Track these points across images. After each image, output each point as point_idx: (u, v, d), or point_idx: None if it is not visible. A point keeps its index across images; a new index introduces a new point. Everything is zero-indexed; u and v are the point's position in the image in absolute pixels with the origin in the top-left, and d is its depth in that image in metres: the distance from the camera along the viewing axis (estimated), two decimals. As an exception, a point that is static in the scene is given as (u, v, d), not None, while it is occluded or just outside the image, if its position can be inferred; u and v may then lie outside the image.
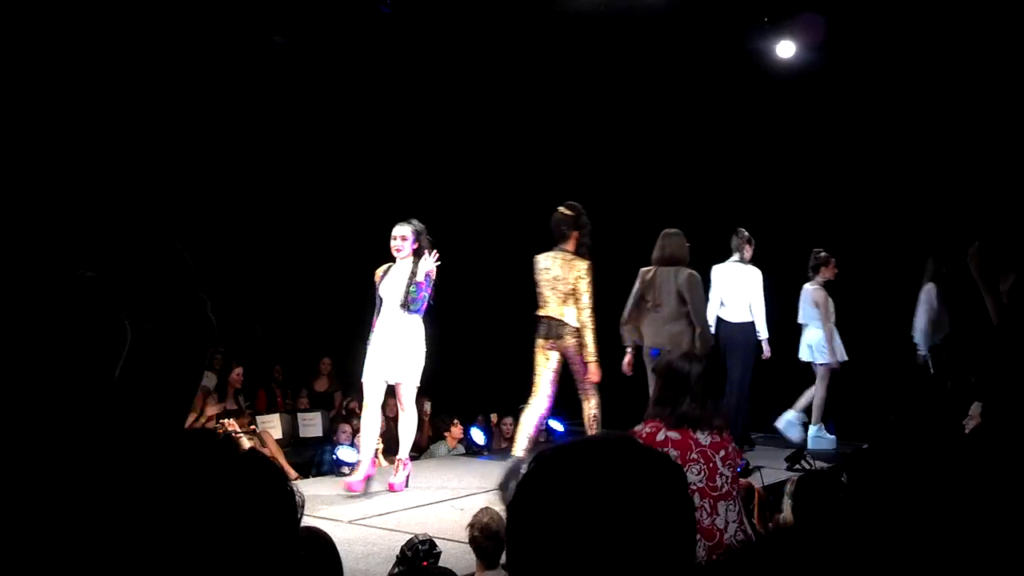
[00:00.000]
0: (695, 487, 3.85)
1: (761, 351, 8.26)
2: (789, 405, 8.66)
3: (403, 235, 6.61)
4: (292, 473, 7.43)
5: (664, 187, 10.96)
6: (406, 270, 6.59)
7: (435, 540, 4.55)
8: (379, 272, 6.75)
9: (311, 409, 9.29)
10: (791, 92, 9.69)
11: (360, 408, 9.04)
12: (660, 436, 3.87)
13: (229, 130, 10.06)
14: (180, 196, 10.41)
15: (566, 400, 10.21)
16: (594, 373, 6.42)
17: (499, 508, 4.42)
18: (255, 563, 1.16)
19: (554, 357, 6.49)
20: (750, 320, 8.22)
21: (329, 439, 8.58)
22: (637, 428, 3.95)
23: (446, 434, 8.92)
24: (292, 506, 1.25)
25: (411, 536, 4.59)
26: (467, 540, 4.38)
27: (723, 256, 8.41)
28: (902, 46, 8.77)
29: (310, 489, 6.44)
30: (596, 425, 6.57)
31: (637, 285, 6.99)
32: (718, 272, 8.29)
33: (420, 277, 6.49)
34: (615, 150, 11.17)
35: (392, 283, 6.63)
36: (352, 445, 7.77)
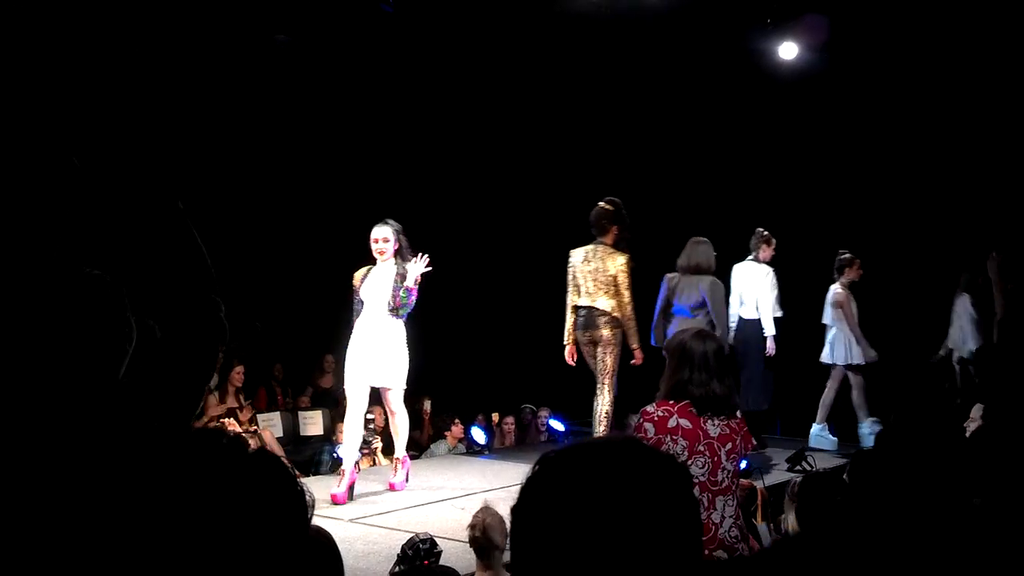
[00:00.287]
0: (697, 480, 3.83)
1: (772, 347, 8.33)
2: (814, 407, 8.69)
3: (385, 237, 6.44)
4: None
5: (666, 186, 10.96)
6: (389, 273, 6.43)
7: (436, 539, 4.55)
8: (359, 275, 6.58)
9: (312, 407, 9.29)
10: (793, 93, 9.69)
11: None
12: (671, 422, 3.81)
13: (231, 128, 10.06)
14: (181, 193, 10.41)
15: (567, 399, 10.25)
16: (638, 358, 6.83)
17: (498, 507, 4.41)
18: (266, 563, 1.16)
19: (596, 349, 6.88)
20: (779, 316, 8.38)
21: (330, 438, 8.57)
22: (649, 409, 3.88)
23: (447, 433, 8.91)
24: (302, 506, 1.24)
25: (412, 535, 4.59)
26: (467, 540, 4.38)
27: (742, 256, 8.51)
28: (908, 45, 8.75)
29: (310, 487, 6.41)
30: (606, 421, 6.74)
31: (663, 290, 7.26)
32: (736, 271, 8.43)
33: (411, 282, 6.35)
34: (616, 150, 11.16)
35: (375, 286, 6.45)
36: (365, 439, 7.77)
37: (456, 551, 4.69)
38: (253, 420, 8.46)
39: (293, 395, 9.75)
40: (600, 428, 6.83)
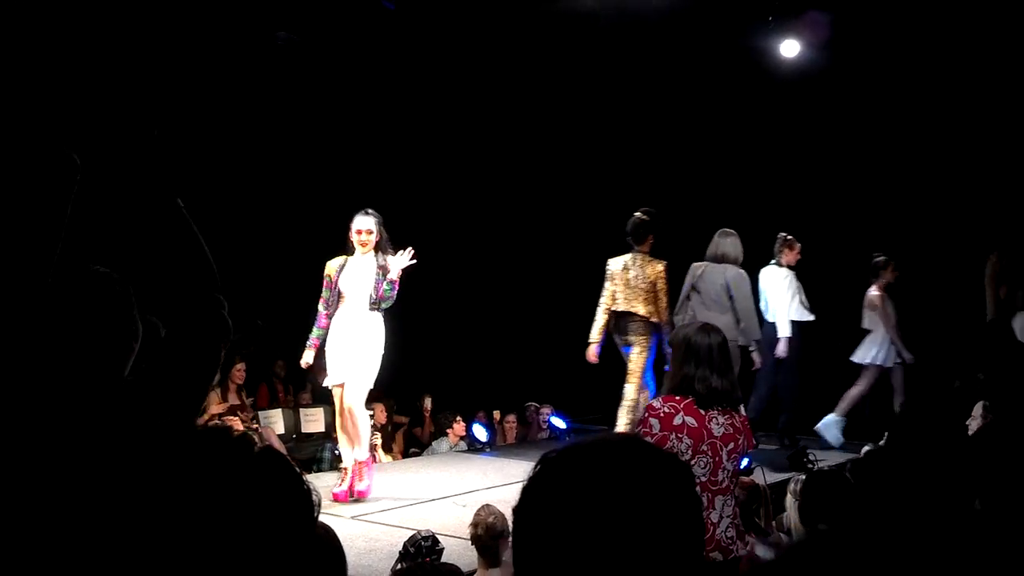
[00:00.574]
0: (698, 480, 3.81)
1: (787, 349, 8.32)
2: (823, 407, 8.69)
3: (369, 229, 6.25)
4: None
5: (675, 187, 10.94)
6: (370, 265, 6.23)
7: (437, 536, 4.55)
8: (334, 266, 6.35)
9: (313, 404, 9.29)
10: (795, 91, 9.66)
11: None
12: (677, 420, 3.78)
13: (233, 124, 10.05)
14: (181, 191, 10.41)
15: (569, 396, 10.25)
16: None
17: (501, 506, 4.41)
18: (272, 561, 1.16)
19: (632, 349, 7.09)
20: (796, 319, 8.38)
21: (331, 435, 8.57)
22: (655, 405, 3.85)
23: (448, 431, 8.91)
24: (308, 504, 1.24)
25: (413, 532, 4.60)
26: (469, 537, 4.38)
27: (763, 259, 8.52)
28: (913, 41, 8.72)
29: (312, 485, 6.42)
30: (631, 409, 6.99)
31: (688, 279, 7.43)
32: (761, 275, 8.46)
33: (395, 275, 6.16)
34: (619, 150, 11.15)
35: (355, 279, 6.25)
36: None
37: (458, 548, 4.70)
38: (255, 418, 8.47)
39: (294, 392, 9.75)
40: (623, 420, 7.09)
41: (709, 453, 3.82)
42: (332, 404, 9.13)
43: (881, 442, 6.96)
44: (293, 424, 8.98)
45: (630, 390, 7.13)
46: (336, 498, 6.04)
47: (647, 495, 1.16)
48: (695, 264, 7.48)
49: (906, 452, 2.18)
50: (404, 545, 4.54)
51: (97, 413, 2.01)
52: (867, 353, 8.40)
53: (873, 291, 8.38)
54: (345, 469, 6.24)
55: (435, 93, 10.44)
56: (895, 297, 8.44)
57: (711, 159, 10.73)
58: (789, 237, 8.42)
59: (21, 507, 1.88)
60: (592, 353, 7.40)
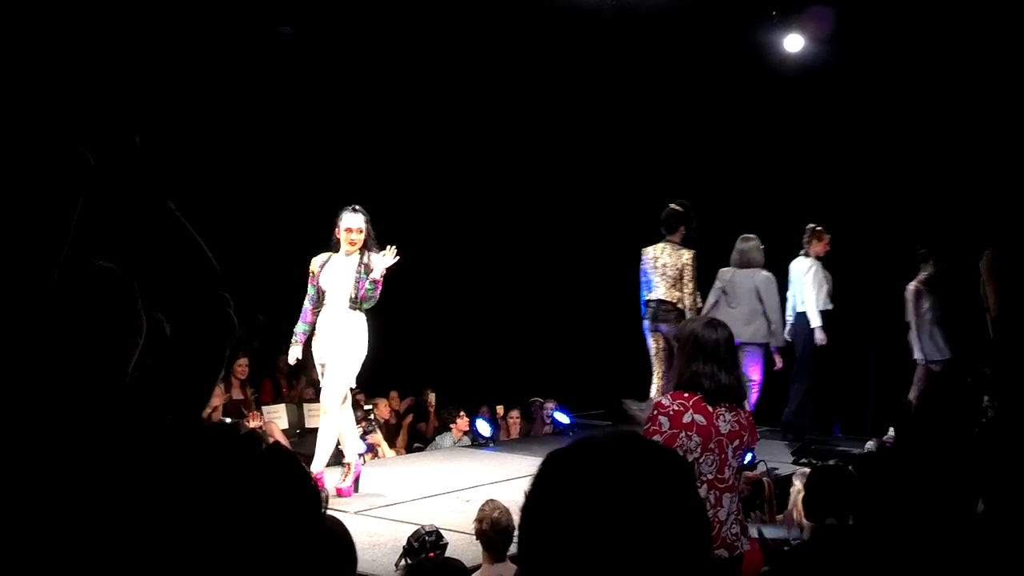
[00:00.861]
0: (706, 478, 3.81)
1: (824, 338, 8.36)
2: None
3: (360, 228, 6.11)
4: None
5: (675, 180, 10.93)
6: (353, 263, 6.10)
7: (441, 531, 4.55)
8: (317, 262, 6.23)
9: (316, 399, 9.28)
10: (801, 87, 9.63)
11: (364, 400, 9.06)
12: (686, 417, 3.76)
13: (235, 120, 10.05)
14: (171, 192, 10.40)
15: (571, 393, 10.25)
16: None
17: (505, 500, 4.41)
18: (280, 558, 1.15)
19: (662, 338, 7.29)
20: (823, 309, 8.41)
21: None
22: (664, 402, 3.83)
23: (452, 426, 8.91)
24: (316, 501, 1.23)
25: (417, 527, 4.60)
26: (473, 532, 4.38)
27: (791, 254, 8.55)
28: (919, 36, 8.68)
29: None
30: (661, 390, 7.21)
31: (717, 284, 7.81)
32: (791, 267, 8.51)
33: (378, 275, 6.02)
34: (623, 145, 11.14)
35: (337, 277, 6.12)
36: (367, 431, 7.76)
37: (461, 543, 4.69)
38: (258, 411, 8.47)
39: (298, 387, 9.75)
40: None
41: (716, 451, 3.81)
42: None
43: (885, 437, 6.98)
44: (296, 419, 8.98)
45: (656, 381, 7.42)
46: (340, 493, 6.05)
47: (648, 492, 1.17)
48: (723, 270, 7.79)
49: (915, 448, 2.18)
50: (408, 540, 4.54)
51: (102, 409, 2.00)
52: (913, 350, 8.32)
53: (910, 285, 8.31)
54: (348, 464, 6.23)
55: (442, 86, 10.43)
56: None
57: (714, 155, 10.70)
58: (818, 228, 8.40)
59: (24, 506, 1.87)
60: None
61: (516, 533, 1.14)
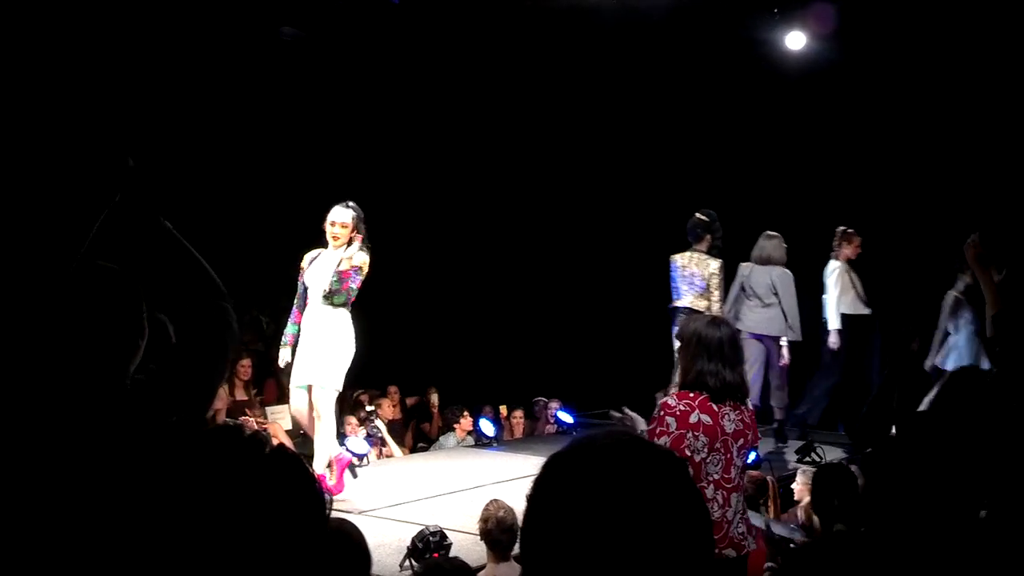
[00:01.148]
0: (712, 478, 3.80)
1: (838, 341, 8.35)
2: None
3: (343, 222, 5.91)
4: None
5: (678, 181, 10.93)
6: (334, 259, 5.93)
7: (445, 531, 4.55)
8: (307, 257, 6.10)
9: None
10: (802, 85, 9.61)
11: (367, 401, 9.06)
12: (693, 418, 3.75)
13: (238, 121, 10.05)
14: (186, 186, 10.43)
15: (573, 390, 10.24)
16: None
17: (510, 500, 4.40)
18: (284, 561, 1.15)
19: None
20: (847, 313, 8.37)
21: (337, 430, 8.56)
22: (671, 403, 3.81)
23: (456, 426, 8.90)
24: (320, 504, 1.23)
25: (421, 527, 4.60)
26: (477, 531, 4.38)
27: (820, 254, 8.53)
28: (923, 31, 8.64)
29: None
30: None
31: (737, 279, 7.87)
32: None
33: (345, 266, 5.83)
34: (627, 145, 11.13)
35: (318, 272, 5.96)
36: (370, 434, 7.76)
37: (466, 543, 4.69)
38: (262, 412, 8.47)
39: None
40: None
41: (722, 450, 3.80)
42: (338, 400, 9.19)
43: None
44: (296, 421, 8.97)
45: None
46: (331, 491, 5.96)
47: (649, 494, 1.18)
48: (743, 264, 7.87)
49: (921, 448, 2.17)
50: (412, 540, 4.54)
51: (104, 410, 2.00)
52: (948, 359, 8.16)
53: (950, 293, 7.98)
54: (331, 460, 5.97)
55: (447, 87, 10.43)
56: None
57: (717, 155, 10.69)
58: (849, 230, 8.34)
59: (28, 506, 1.87)
60: None
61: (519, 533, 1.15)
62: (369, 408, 8.22)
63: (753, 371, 7.71)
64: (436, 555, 4.44)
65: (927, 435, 2.30)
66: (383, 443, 8.17)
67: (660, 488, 1.19)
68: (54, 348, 2.03)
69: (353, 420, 8.17)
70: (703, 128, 10.67)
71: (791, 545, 4.34)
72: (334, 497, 5.82)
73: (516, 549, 4.12)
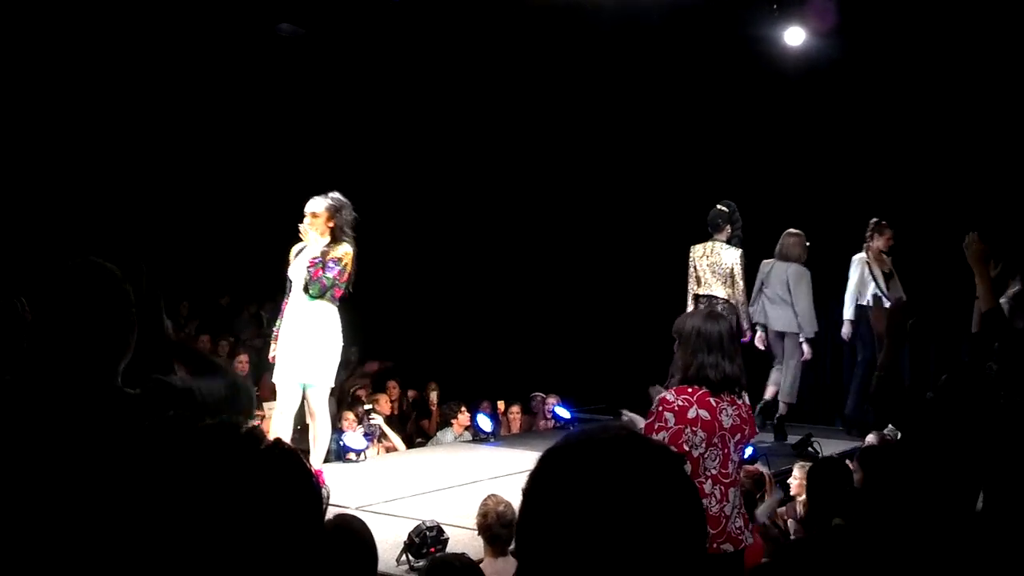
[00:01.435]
0: (710, 473, 3.82)
1: (850, 332, 8.43)
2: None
3: (313, 211, 5.76)
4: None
5: (678, 178, 10.93)
6: (315, 250, 5.81)
7: (442, 526, 4.55)
8: (293, 251, 5.95)
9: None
10: (801, 83, 9.59)
11: (365, 396, 9.05)
12: (691, 413, 3.78)
13: (237, 116, 10.05)
14: (186, 185, 10.43)
15: (574, 387, 10.25)
16: (747, 337, 7.70)
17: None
18: (282, 556, 1.15)
19: None
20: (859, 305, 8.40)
21: (335, 425, 8.56)
22: (669, 398, 3.84)
23: (453, 421, 8.90)
24: (317, 499, 1.23)
25: (418, 522, 4.60)
26: (474, 526, 4.38)
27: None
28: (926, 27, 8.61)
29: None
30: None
31: (758, 276, 8.08)
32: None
33: (315, 253, 5.68)
34: (623, 142, 11.12)
35: (301, 265, 5.83)
36: (368, 433, 7.76)
37: (463, 538, 4.70)
38: (259, 408, 8.45)
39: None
40: None
41: (719, 445, 3.82)
42: (336, 395, 9.18)
43: (886, 430, 6.97)
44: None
45: None
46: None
47: (644, 488, 1.18)
48: (764, 261, 8.06)
49: (921, 442, 2.17)
50: (409, 535, 4.54)
51: (98, 406, 2.00)
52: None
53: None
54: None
55: (442, 85, 10.42)
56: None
57: (715, 153, 10.68)
58: (882, 222, 8.32)
59: (24, 505, 1.87)
60: None
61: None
62: (367, 406, 8.22)
63: (795, 368, 7.91)
64: (433, 550, 4.45)
65: (926, 431, 2.31)
66: (383, 437, 8.17)
67: (655, 482, 1.19)
68: (46, 342, 2.03)
69: (350, 415, 8.17)
70: (701, 126, 10.66)
71: (789, 540, 4.36)
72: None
73: (514, 544, 4.13)
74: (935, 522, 2.09)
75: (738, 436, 3.91)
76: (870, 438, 6.70)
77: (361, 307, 8.79)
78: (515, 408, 9.62)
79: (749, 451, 5.40)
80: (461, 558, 3.25)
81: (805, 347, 7.99)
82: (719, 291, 7.63)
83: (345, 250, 5.77)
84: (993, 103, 8.84)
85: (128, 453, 1.19)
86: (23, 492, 1.87)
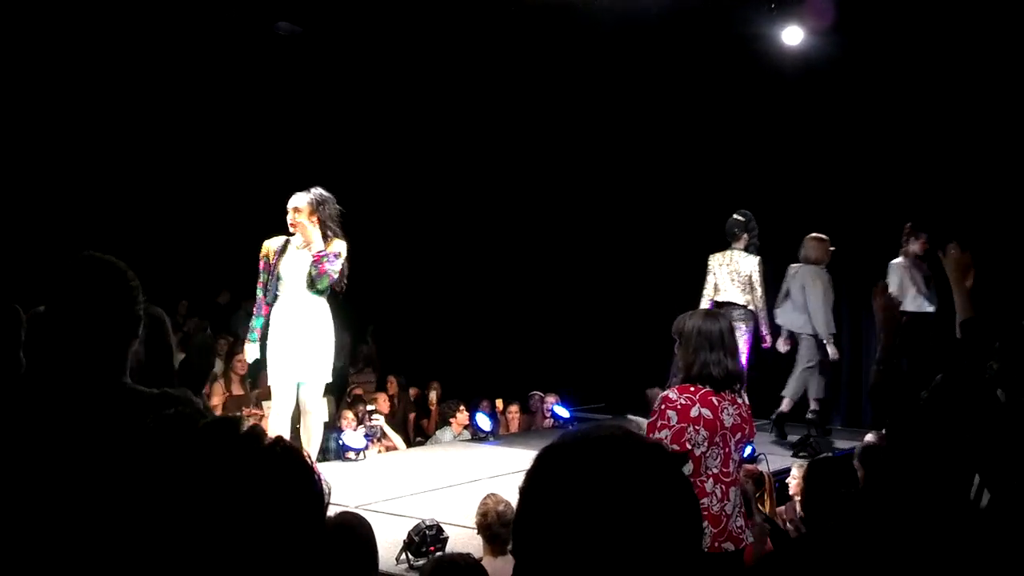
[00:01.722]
0: (711, 472, 3.83)
1: None
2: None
3: (296, 206, 5.70)
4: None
5: (677, 179, 10.93)
6: (310, 247, 5.76)
7: (441, 525, 4.55)
8: (273, 246, 5.82)
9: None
10: (801, 82, 9.59)
11: (364, 396, 9.05)
12: (694, 411, 3.78)
13: (233, 115, 10.03)
14: (184, 182, 10.42)
15: (573, 387, 10.25)
16: (767, 342, 7.96)
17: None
18: (284, 551, 1.15)
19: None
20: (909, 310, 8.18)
21: (334, 424, 8.56)
22: (672, 396, 3.84)
23: (451, 420, 8.91)
24: (319, 495, 1.23)
25: (418, 521, 4.61)
26: (474, 525, 4.38)
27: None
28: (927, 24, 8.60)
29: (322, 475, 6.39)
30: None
31: (784, 280, 8.23)
32: None
33: (320, 247, 5.68)
34: (621, 143, 11.12)
35: (295, 261, 5.77)
36: (368, 434, 7.76)
37: (462, 537, 4.70)
38: (258, 406, 8.46)
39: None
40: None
41: (721, 444, 3.83)
42: (336, 393, 9.19)
43: (883, 430, 6.98)
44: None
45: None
46: None
47: (640, 488, 1.19)
48: (791, 266, 8.18)
49: (919, 441, 2.17)
50: (408, 534, 4.55)
51: (103, 402, 2.00)
52: None
53: None
54: None
55: (441, 83, 10.42)
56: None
57: (714, 152, 10.68)
58: (917, 227, 8.20)
59: (25, 502, 1.87)
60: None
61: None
62: (370, 407, 8.22)
63: (808, 370, 7.98)
64: (433, 549, 4.45)
65: (919, 430, 2.31)
66: (383, 436, 8.17)
67: (651, 481, 1.20)
68: (50, 337, 2.03)
69: (349, 414, 8.18)
70: (699, 126, 10.65)
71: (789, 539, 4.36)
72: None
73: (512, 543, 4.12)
74: (931, 520, 2.09)
75: (739, 435, 3.92)
76: (869, 437, 6.70)
77: (361, 305, 8.80)
78: (513, 407, 9.63)
79: (748, 450, 5.40)
80: (466, 558, 3.25)
81: (829, 348, 8.00)
82: (738, 298, 7.80)
83: (343, 244, 5.81)
84: (993, 103, 8.83)
85: (131, 450, 1.19)
86: (25, 487, 1.87)
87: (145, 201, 10.03)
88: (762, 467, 5.98)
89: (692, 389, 3.86)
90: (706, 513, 3.73)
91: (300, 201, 5.75)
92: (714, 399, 3.84)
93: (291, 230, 5.78)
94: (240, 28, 9.08)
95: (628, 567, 1.15)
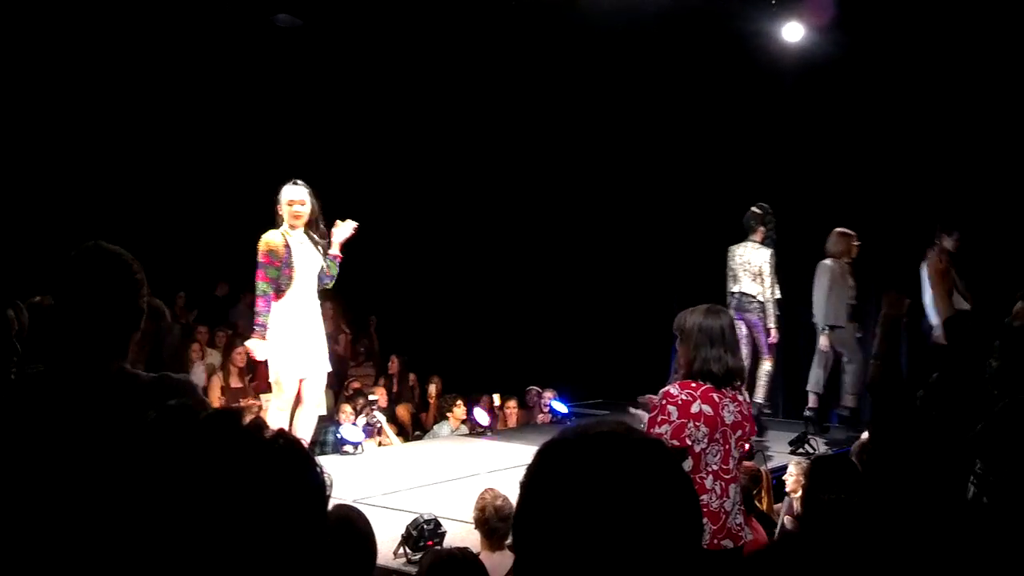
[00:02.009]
0: (711, 469, 3.83)
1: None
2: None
3: (302, 199, 5.75)
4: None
5: (674, 179, 10.93)
6: (310, 241, 5.80)
7: (439, 520, 4.56)
8: (278, 241, 5.72)
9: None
10: (801, 80, 9.58)
11: (364, 388, 9.05)
12: (694, 408, 3.80)
13: (232, 108, 10.02)
14: (183, 175, 10.41)
15: (571, 382, 10.26)
16: (773, 336, 8.01)
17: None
18: (287, 545, 1.15)
19: (743, 326, 7.74)
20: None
21: (333, 417, 8.56)
22: (673, 391, 3.85)
23: (449, 415, 8.92)
24: (321, 490, 1.23)
25: (416, 516, 4.61)
26: (471, 520, 4.39)
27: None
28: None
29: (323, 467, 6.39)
30: (767, 381, 8.04)
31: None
32: None
33: (336, 249, 5.79)
34: (621, 140, 11.12)
35: (305, 257, 5.76)
36: (368, 424, 7.77)
37: (460, 532, 4.70)
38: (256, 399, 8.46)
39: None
40: (760, 390, 7.97)
41: (720, 441, 3.83)
42: (336, 387, 9.20)
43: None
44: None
45: (764, 364, 8.06)
46: None
47: (640, 483, 1.19)
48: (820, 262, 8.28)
49: (916, 438, 2.18)
50: (406, 528, 4.55)
51: (102, 392, 2.00)
52: None
53: None
54: None
55: (442, 77, 10.40)
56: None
57: (713, 151, 10.67)
58: (948, 225, 8.13)
59: (24, 496, 1.87)
60: None
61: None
62: (373, 397, 8.21)
63: (849, 365, 8.08)
64: (431, 543, 4.46)
65: (916, 428, 2.31)
66: (381, 432, 8.17)
67: (651, 477, 1.20)
68: (55, 324, 2.04)
69: (348, 408, 8.18)
70: (697, 125, 10.65)
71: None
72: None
73: (511, 538, 4.13)
74: (929, 515, 2.09)
75: (739, 433, 3.92)
76: (866, 434, 6.72)
77: (361, 299, 8.81)
78: (511, 402, 9.64)
79: (745, 447, 5.40)
80: (464, 552, 3.26)
81: (821, 339, 8.04)
82: (751, 288, 8.00)
83: (340, 235, 5.93)
84: (993, 102, 8.82)
85: (131, 437, 1.19)
86: (26, 479, 1.87)
87: (143, 193, 10.02)
88: (759, 464, 5.99)
89: (693, 385, 3.87)
90: (705, 510, 3.73)
91: (303, 194, 5.79)
92: (715, 395, 3.85)
93: (294, 223, 5.77)
94: (239, 20, 9.06)
95: (628, 563, 1.15)
